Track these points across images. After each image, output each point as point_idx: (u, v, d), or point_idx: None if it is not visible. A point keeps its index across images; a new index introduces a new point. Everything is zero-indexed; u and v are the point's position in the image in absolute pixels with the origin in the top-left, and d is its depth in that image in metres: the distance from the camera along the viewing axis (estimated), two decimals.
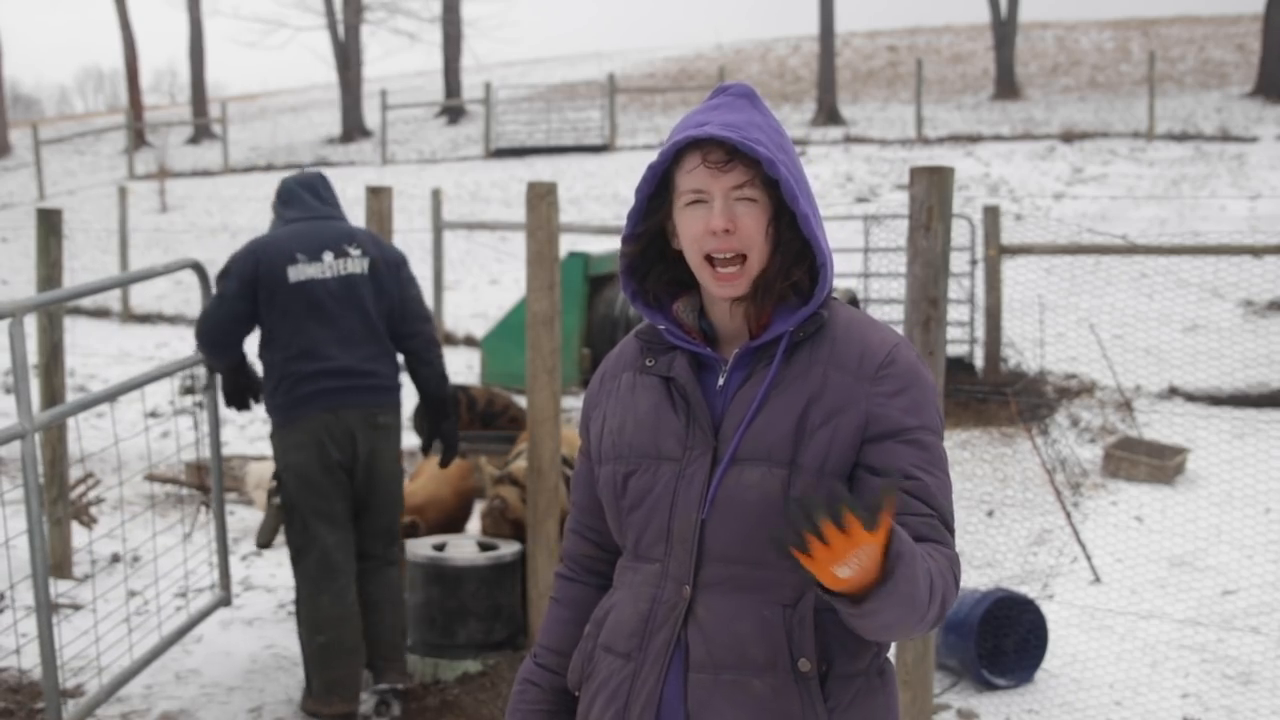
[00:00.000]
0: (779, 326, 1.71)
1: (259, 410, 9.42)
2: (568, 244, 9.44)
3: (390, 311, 4.11)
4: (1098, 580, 5.35)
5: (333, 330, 3.98)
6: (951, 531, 1.68)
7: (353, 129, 27.79)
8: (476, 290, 14.28)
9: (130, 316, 14.68)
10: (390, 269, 4.13)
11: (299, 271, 3.98)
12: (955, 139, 19.92)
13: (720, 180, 1.68)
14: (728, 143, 1.67)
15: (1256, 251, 8.28)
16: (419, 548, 4.53)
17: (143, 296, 14.94)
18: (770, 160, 1.66)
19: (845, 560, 1.43)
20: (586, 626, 1.84)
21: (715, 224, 1.67)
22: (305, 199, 4.18)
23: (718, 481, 1.67)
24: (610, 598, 1.82)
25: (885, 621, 1.52)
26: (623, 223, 1.83)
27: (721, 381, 1.74)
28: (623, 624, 1.75)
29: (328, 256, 4.00)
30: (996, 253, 8.83)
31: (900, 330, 2.64)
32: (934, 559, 1.59)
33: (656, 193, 1.76)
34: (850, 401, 1.66)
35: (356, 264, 4.04)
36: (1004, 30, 24.50)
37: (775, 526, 1.61)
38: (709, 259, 1.70)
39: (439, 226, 12.71)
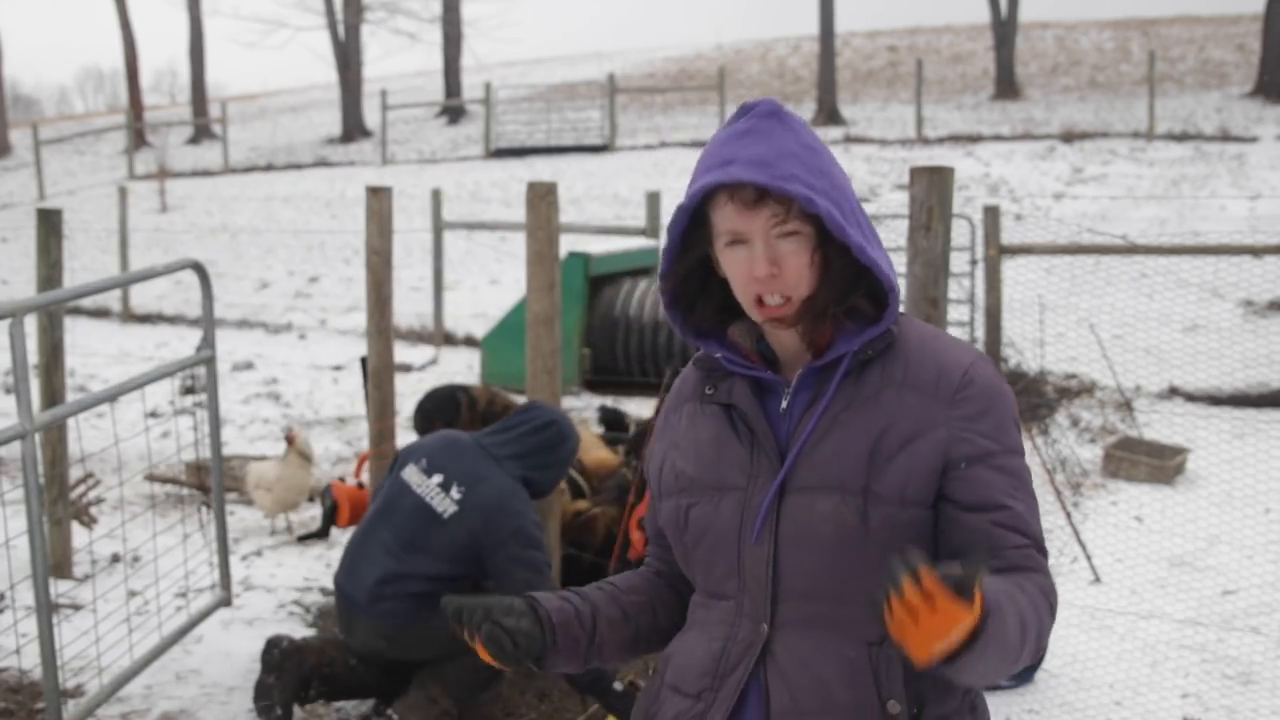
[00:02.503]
0: (842, 346, 1.61)
1: (259, 409, 9.49)
2: (568, 244, 9.44)
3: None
4: (1098, 580, 5.35)
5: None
6: (1044, 554, 1.59)
7: (353, 129, 27.81)
8: (476, 290, 14.28)
9: (130, 316, 14.68)
10: (484, 537, 3.75)
11: (408, 472, 3.92)
12: (955, 139, 19.92)
13: (755, 220, 1.56)
14: (756, 187, 1.55)
15: (1256, 251, 8.27)
16: None
17: (143, 296, 14.95)
18: (807, 197, 1.54)
19: (944, 634, 1.34)
20: (657, 664, 1.76)
21: (759, 270, 1.57)
22: (500, 427, 4.01)
23: (769, 508, 1.58)
24: (682, 637, 1.73)
25: (979, 674, 1.44)
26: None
27: (785, 405, 1.64)
28: (693, 662, 1.66)
29: (435, 478, 3.85)
30: (996, 253, 8.83)
31: None
32: (1026, 592, 1.51)
33: (691, 225, 1.65)
34: (928, 426, 1.56)
35: (445, 503, 3.80)
36: (1004, 30, 24.51)
37: (853, 559, 1.54)
38: (759, 300, 1.60)
39: (439, 226, 12.71)
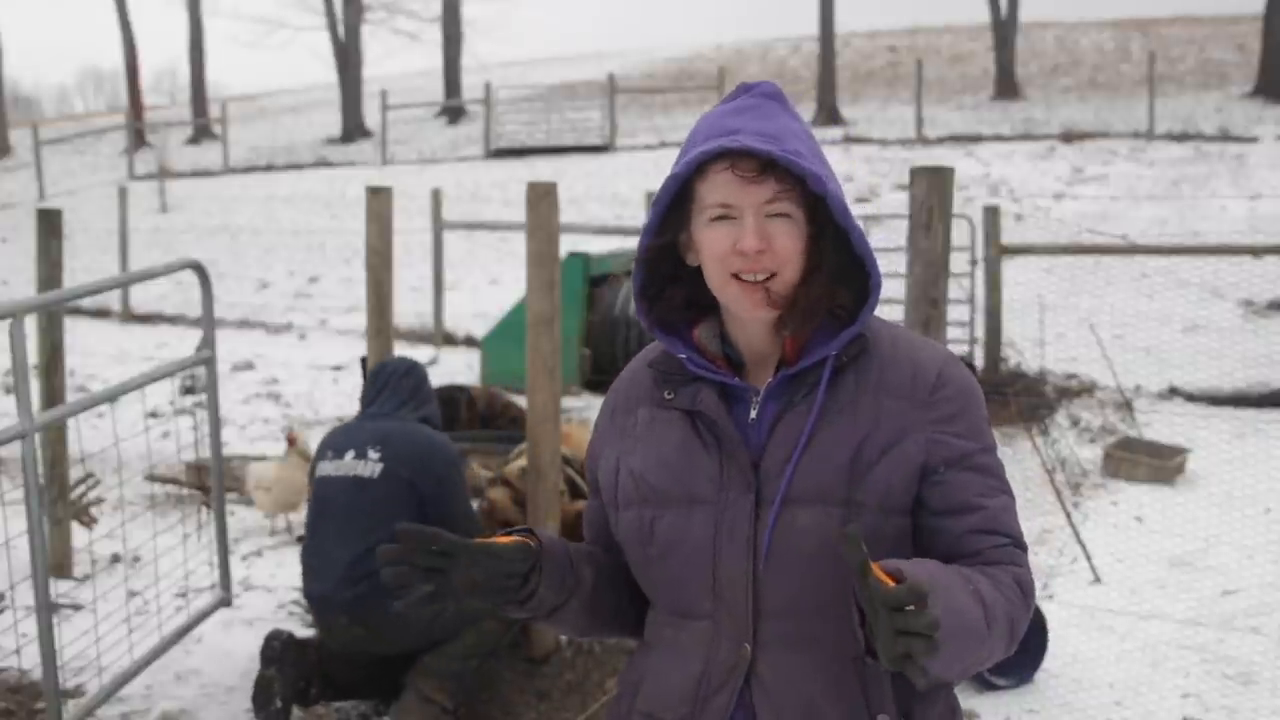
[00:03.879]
0: (818, 350, 1.55)
1: (259, 409, 9.48)
2: (568, 244, 9.43)
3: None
4: (1098, 580, 5.35)
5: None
6: (1023, 549, 1.57)
7: (353, 129, 27.81)
8: (476, 290, 14.28)
9: (130, 316, 14.68)
10: (419, 479, 3.87)
11: (322, 467, 4.00)
12: (955, 139, 19.93)
13: (751, 194, 1.50)
14: (763, 156, 1.49)
15: (1256, 251, 8.29)
16: None
17: (143, 296, 14.94)
18: (816, 175, 1.50)
19: None
20: (619, 688, 1.69)
21: (748, 244, 1.50)
22: (365, 399, 4.16)
23: (772, 527, 1.51)
24: (645, 658, 1.65)
25: (953, 661, 1.38)
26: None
27: (754, 414, 1.57)
28: (670, 689, 1.58)
29: (348, 455, 3.94)
30: (997, 253, 8.83)
31: None
32: (993, 579, 1.48)
33: (673, 204, 1.58)
34: (906, 431, 1.53)
35: (368, 467, 3.88)
36: (1004, 30, 24.52)
37: (835, 572, 1.49)
38: (736, 276, 1.53)
39: (439, 226, 12.72)
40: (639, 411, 1.66)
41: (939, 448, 1.54)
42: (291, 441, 6.15)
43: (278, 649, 3.91)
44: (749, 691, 1.54)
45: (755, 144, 1.48)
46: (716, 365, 1.60)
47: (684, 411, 1.60)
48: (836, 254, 1.56)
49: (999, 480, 1.58)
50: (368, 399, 4.15)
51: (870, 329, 1.60)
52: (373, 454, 3.87)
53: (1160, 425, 7.93)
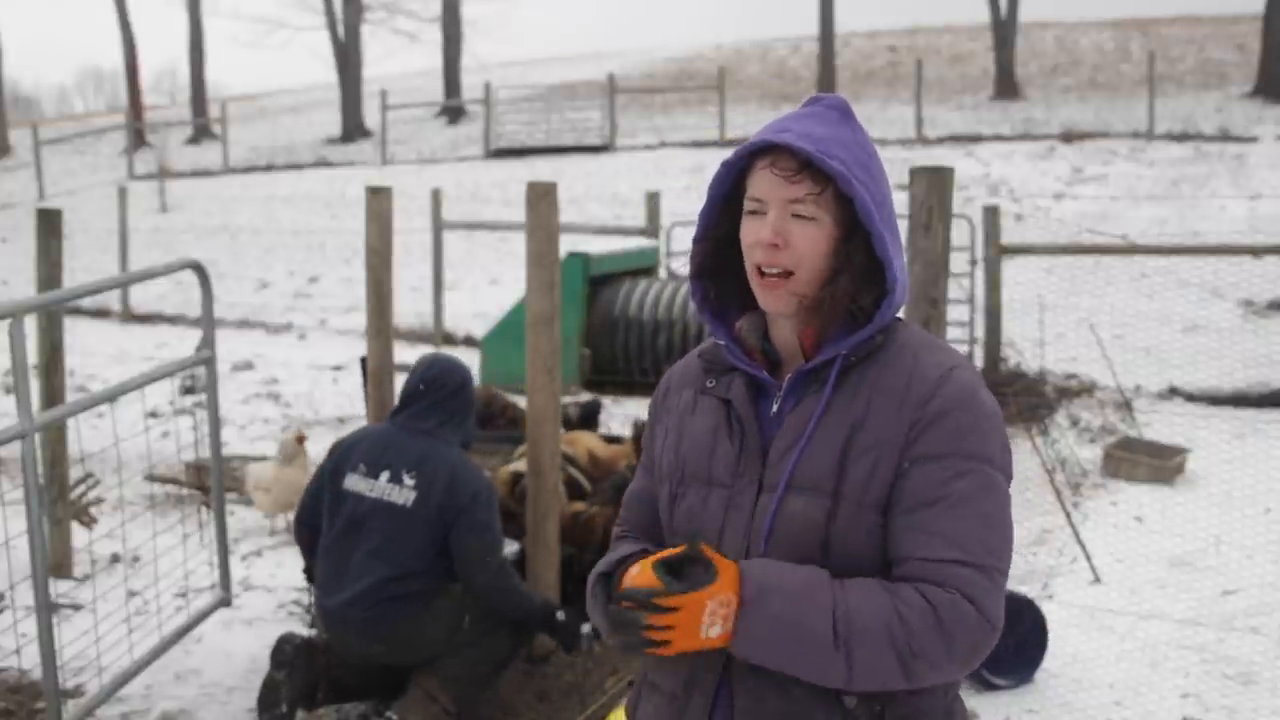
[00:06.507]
0: (831, 348, 1.63)
1: (259, 409, 9.48)
2: (568, 244, 9.43)
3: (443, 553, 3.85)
4: (1098, 580, 5.35)
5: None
6: (981, 570, 1.52)
7: (353, 129, 27.81)
8: (476, 290, 14.28)
9: (130, 316, 14.69)
10: (446, 509, 3.79)
11: (353, 481, 3.90)
12: (955, 139, 19.91)
13: (781, 191, 1.60)
14: (800, 154, 1.59)
15: (1256, 251, 8.29)
16: None
17: (143, 296, 14.95)
18: (845, 176, 1.58)
19: (700, 622, 1.50)
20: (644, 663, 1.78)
21: (763, 236, 1.60)
22: (410, 399, 3.98)
23: (773, 514, 1.60)
24: None
25: (781, 662, 1.52)
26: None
27: (775, 408, 1.67)
28: (668, 661, 1.68)
29: (383, 477, 3.85)
30: (997, 253, 8.83)
31: None
32: (887, 600, 1.50)
33: (733, 195, 1.69)
34: (894, 429, 1.58)
35: (402, 494, 3.81)
36: (1004, 30, 24.50)
37: (814, 559, 1.56)
38: (759, 269, 1.63)
39: (439, 226, 12.71)
40: (684, 393, 1.77)
41: (912, 446, 1.58)
42: (301, 441, 6.16)
43: (290, 654, 3.88)
44: (731, 670, 1.62)
45: (795, 141, 1.58)
46: (752, 358, 1.70)
47: (720, 400, 1.71)
48: (865, 257, 1.63)
49: (973, 492, 1.55)
50: (408, 398, 3.97)
51: (893, 332, 1.66)
52: (408, 480, 3.79)
53: (1160, 425, 7.93)
